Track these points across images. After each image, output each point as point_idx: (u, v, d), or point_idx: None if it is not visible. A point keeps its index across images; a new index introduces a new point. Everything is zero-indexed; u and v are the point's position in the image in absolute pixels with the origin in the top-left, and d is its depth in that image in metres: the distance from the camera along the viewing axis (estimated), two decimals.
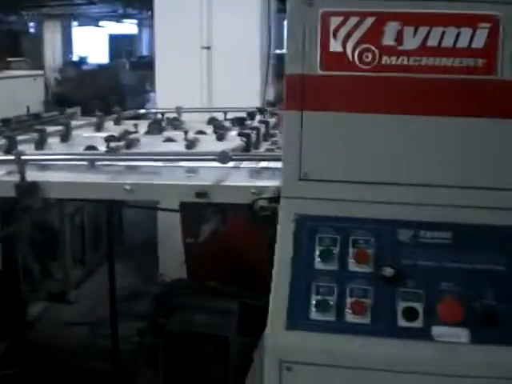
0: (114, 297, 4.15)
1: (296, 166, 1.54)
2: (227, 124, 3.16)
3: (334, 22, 1.47)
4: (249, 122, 2.57)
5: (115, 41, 20.57)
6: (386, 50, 1.46)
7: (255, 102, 5.27)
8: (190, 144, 2.47)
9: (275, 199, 1.78)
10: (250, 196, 1.94)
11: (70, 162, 2.17)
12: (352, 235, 1.50)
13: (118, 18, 17.49)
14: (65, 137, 2.85)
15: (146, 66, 14.71)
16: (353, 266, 1.47)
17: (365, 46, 1.47)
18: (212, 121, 3.34)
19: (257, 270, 4.19)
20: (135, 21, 19.30)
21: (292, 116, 1.52)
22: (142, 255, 5.75)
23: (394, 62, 1.47)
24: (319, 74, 1.49)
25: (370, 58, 1.47)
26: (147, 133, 3.00)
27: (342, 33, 1.47)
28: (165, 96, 5.28)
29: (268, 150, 2.21)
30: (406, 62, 1.46)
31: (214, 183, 1.97)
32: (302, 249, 1.50)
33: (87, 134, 3.15)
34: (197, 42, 5.14)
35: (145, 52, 20.56)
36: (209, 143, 2.60)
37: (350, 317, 1.42)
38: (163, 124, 3.21)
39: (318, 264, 1.48)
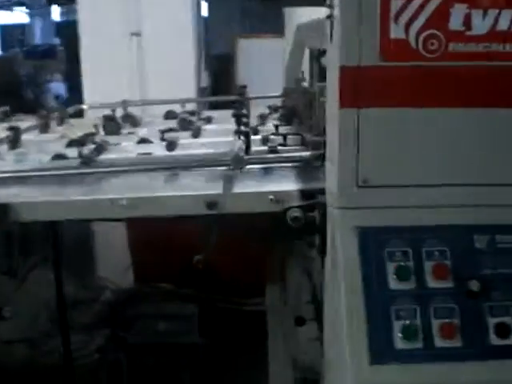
0: (65, 308, 3.81)
1: (353, 171, 1.34)
2: (189, 117, 2.89)
3: (396, 4, 1.27)
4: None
5: (5, 31, 19.51)
6: (454, 36, 1.29)
7: (190, 90, 5.03)
8: (172, 145, 2.21)
9: (309, 207, 1.58)
10: (269, 204, 1.72)
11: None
12: (425, 246, 1.33)
13: (10, 7, 16.54)
14: (14, 143, 2.50)
15: (41, 55, 14.02)
16: (432, 283, 1.30)
17: (430, 31, 1.29)
18: (170, 114, 3.07)
19: (213, 270, 4.02)
20: (25, 9, 18.41)
21: (347, 114, 1.32)
22: (77, 259, 5.37)
23: (462, 49, 1.29)
24: (379, 65, 1.30)
25: (435, 46, 1.29)
26: (106, 133, 2.69)
27: (405, 17, 1.28)
28: (91, 88, 4.93)
29: (271, 149, 1.99)
30: (474, 49, 1.29)
31: (225, 191, 1.74)
32: (371, 267, 1.31)
33: (31, 138, 2.79)
34: (125, 27, 4.80)
35: (38, 41, 19.65)
36: (190, 143, 2.34)
37: (439, 342, 1.25)
38: (119, 121, 2.90)
39: (394, 283, 1.30)
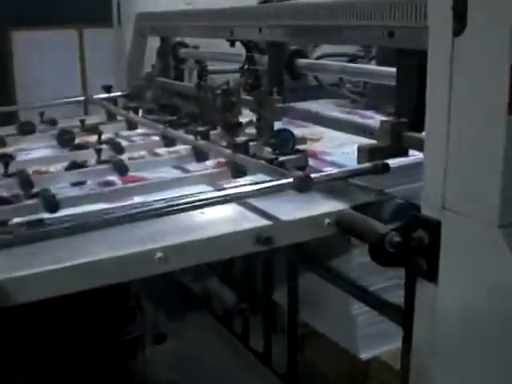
0: None
1: None
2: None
3: None
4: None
5: None
6: None
7: None
8: (122, 167, 1.78)
9: (409, 228, 1.40)
10: (326, 228, 1.50)
11: None
12: None
13: None
14: None
15: None
16: None
17: None
18: (26, 127, 2.52)
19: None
20: None
21: None
22: None
23: None
24: None
25: None
26: None
27: None
28: None
29: (269, 159, 1.70)
30: None
31: (276, 221, 1.46)
32: None
33: None
34: None
35: None
36: (138, 164, 1.92)
37: None
38: None
39: None
